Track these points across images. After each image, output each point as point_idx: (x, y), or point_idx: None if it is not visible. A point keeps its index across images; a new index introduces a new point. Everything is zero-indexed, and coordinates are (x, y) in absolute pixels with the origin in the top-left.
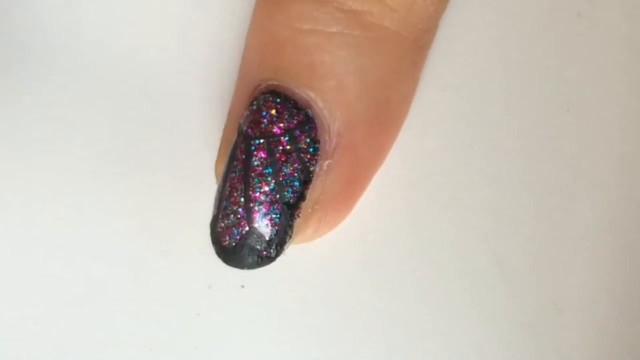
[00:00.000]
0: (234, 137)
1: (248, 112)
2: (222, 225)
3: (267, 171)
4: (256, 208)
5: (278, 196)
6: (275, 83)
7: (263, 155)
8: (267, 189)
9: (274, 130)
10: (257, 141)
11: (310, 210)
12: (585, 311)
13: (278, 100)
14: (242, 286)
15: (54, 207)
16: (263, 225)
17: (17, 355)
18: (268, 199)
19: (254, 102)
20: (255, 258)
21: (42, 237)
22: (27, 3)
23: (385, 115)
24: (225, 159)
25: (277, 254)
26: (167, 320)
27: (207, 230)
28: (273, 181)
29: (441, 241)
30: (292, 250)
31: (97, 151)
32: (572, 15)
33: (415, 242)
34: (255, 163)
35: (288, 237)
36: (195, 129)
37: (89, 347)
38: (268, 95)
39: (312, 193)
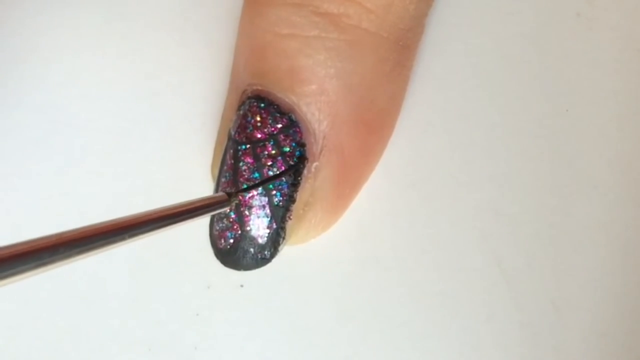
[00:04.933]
0: (225, 141)
1: (236, 117)
2: (217, 228)
3: (254, 176)
4: (246, 212)
5: (267, 200)
6: (259, 88)
7: (250, 160)
8: (255, 193)
9: (258, 135)
10: (243, 146)
11: (301, 212)
12: (584, 310)
13: (262, 105)
14: (241, 286)
15: (53, 207)
16: (255, 229)
17: (16, 354)
18: (257, 203)
19: (241, 107)
20: (251, 260)
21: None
22: (25, 4)
23: (371, 115)
24: (219, 162)
25: (272, 256)
26: (167, 320)
27: (206, 231)
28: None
29: (440, 241)
30: (290, 250)
31: (96, 151)
32: (572, 15)
33: (414, 241)
34: (243, 168)
35: (281, 239)
36: (195, 129)
37: (89, 347)
38: (253, 100)
39: (301, 195)
